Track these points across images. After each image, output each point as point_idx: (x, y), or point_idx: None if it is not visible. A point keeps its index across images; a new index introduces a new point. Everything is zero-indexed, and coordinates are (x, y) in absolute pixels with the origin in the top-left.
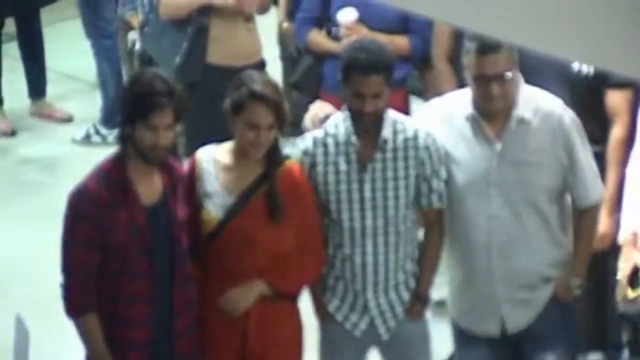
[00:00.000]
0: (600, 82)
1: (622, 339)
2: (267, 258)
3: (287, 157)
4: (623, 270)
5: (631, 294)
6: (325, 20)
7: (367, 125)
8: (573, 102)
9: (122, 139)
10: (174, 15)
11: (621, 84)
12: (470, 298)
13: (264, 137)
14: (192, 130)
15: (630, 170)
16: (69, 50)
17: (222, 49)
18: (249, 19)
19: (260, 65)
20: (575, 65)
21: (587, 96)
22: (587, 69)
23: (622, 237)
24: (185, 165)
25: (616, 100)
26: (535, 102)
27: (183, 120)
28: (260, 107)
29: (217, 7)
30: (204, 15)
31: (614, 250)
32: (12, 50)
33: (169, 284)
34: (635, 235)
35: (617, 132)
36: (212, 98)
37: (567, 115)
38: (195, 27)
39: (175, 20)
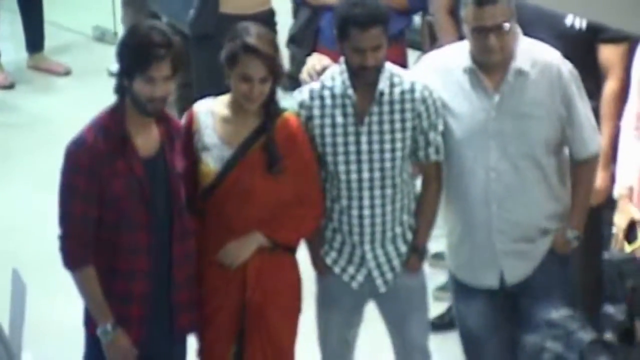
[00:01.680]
0: (593, 36)
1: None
2: (265, 209)
3: (284, 110)
4: (619, 224)
5: (628, 248)
6: None
7: (368, 78)
8: (566, 56)
9: (120, 91)
10: None
11: (614, 39)
12: (469, 250)
13: (257, 90)
14: (204, 80)
15: (624, 124)
16: (67, 3)
17: None
18: None
19: (270, 14)
20: (569, 19)
21: (581, 50)
22: (580, 23)
23: (617, 191)
24: (183, 118)
25: (609, 54)
26: (533, 54)
27: (188, 71)
28: (253, 60)
29: None
30: None
31: (609, 204)
32: (11, 4)
33: (168, 236)
34: (630, 189)
35: (610, 86)
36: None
37: (566, 67)
38: None
39: None
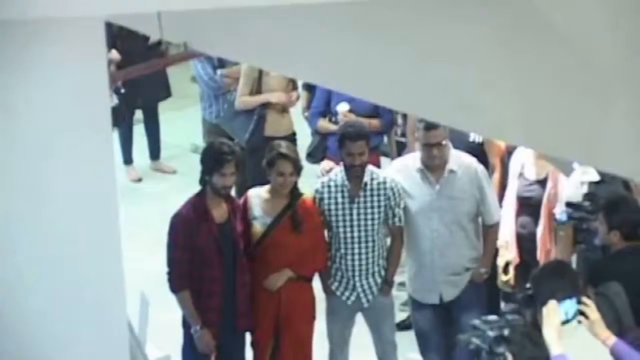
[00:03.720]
0: (484, 147)
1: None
2: (292, 255)
3: (302, 194)
4: (499, 263)
5: (504, 277)
6: (328, 112)
7: (357, 173)
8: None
9: (203, 182)
10: (245, 107)
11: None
12: (420, 280)
13: (288, 181)
14: (254, 177)
15: (504, 202)
16: (174, 126)
17: (273, 127)
18: (287, 110)
19: (293, 134)
20: (472, 137)
21: (480, 155)
22: (478, 138)
23: (498, 243)
24: (242, 199)
25: (494, 161)
26: (459, 159)
27: (244, 171)
28: (285, 162)
29: (271, 103)
30: (263, 107)
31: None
32: (140, 129)
33: (233, 272)
34: (506, 242)
35: (495, 176)
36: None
37: (479, 168)
38: (258, 114)
39: (245, 110)
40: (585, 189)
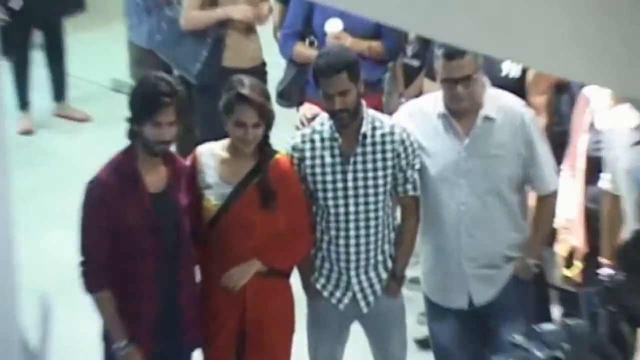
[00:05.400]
0: (522, 84)
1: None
2: (261, 240)
3: (276, 152)
4: (560, 252)
5: (567, 273)
6: (307, 33)
7: (343, 122)
8: None
9: (131, 135)
10: (195, 27)
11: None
12: (441, 275)
13: (251, 135)
14: (208, 126)
15: (565, 165)
16: (87, 58)
17: (234, 54)
18: (254, 29)
19: (262, 66)
20: (505, 70)
21: (515, 94)
22: (514, 72)
23: (557, 223)
24: (187, 159)
25: (537, 101)
26: (499, 101)
27: (193, 118)
28: (246, 108)
29: (232, 21)
30: (221, 27)
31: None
32: (38, 57)
33: (175, 265)
34: (568, 220)
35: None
36: None
37: (527, 114)
38: (213, 37)
39: (194, 32)
40: None
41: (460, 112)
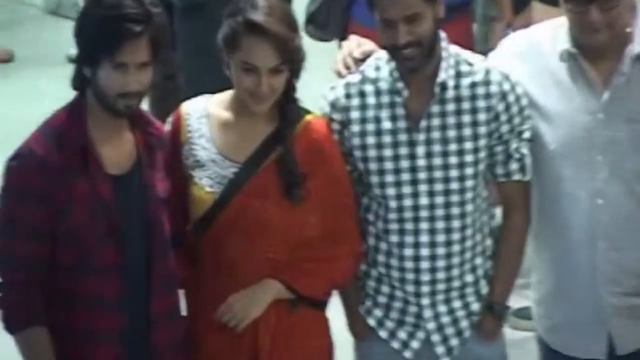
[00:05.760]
0: None
1: None
2: (282, 249)
3: (306, 112)
4: None
5: None
6: None
7: (410, 64)
8: None
9: (80, 84)
10: None
11: None
12: (566, 306)
13: (267, 85)
14: (196, 68)
15: None
16: None
17: None
18: None
19: None
20: None
21: None
22: None
23: None
24: (167, 122)
25: None
26: None
27: (177, 57)
28: (259, 42)
29: None
30: None
31: None
32: None
33: (145, 284)
34: None
35: None
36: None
37: None
38: None
39: None
40: None
41: (596, 50)
